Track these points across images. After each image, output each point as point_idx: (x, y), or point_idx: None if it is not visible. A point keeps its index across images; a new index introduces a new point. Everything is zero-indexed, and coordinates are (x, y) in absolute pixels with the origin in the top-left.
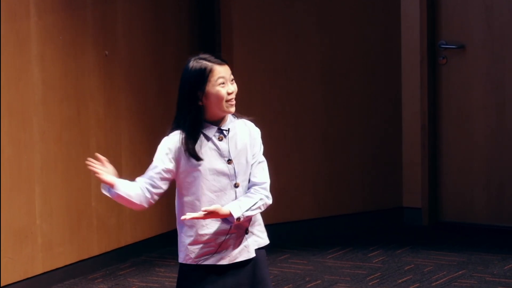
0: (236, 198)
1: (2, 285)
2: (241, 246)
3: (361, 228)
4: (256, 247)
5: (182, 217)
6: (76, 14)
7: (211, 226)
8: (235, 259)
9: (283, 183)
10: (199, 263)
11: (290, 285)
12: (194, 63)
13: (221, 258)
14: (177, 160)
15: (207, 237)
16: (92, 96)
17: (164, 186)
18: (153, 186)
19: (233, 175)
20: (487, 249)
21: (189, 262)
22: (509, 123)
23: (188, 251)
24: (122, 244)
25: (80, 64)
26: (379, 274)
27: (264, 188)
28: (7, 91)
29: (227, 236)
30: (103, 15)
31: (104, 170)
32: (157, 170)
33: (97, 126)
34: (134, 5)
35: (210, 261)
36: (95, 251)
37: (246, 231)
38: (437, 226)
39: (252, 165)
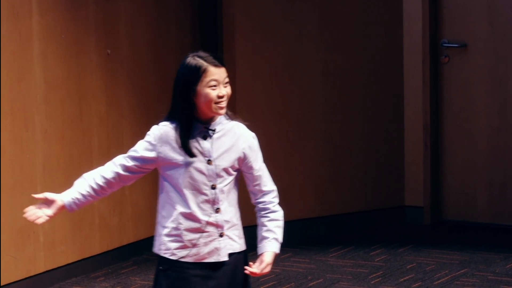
0: (210, 199)
1: (4, 283)
2: (211, 247)
3: (363, 226)
4: (231, 252)
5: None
6: (78, 13)
7: (184, 222)
8: (202, 259)
9: (285, 182)
10: (167, 255)
11: (292, 283)
12: (190, 60)
13: (188, 255)
14: (160, 150)
15: (178, 231)
16: (94, 95)
17: (137, 171)
18: (127, 170)
19: (211, 176)
20: (489, 248)
21: (165, 254)
22: (511, 121)
23: (163, 242)
24: (124, 242)
25: (82, 63)
26: (381, 272)
27: (276, 196)
28: (9, 90)
29: (196, 235)
30: (105, 14)
31: (43, 209)
32: (136, 154)
33: (99, 125)
34: (137, 4)
35: (178, 256)
36: (97, 250)
37: (221, 234)
38: (439, 225)
39: (260, 176)
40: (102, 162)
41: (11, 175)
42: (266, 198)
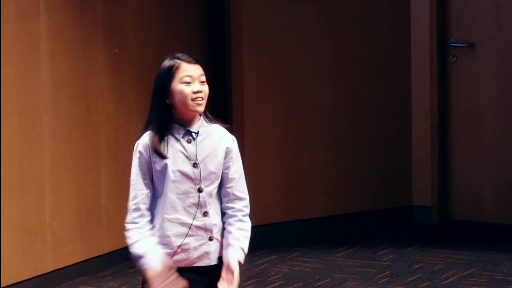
0: (197, 202)
1: (12, 283)
2: (201, 251)
3: (370, 226)
4: (220, 255)
5: None
6: (85, 12)
7: (171, 228)
8: (192, 263)
9: (292, 182)
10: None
11: (300, 283)
12: (165, 62)
13: (178, 261)
14: (150, 161)
15: (167, 238)
16: (101, 94)
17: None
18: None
19: (198, 179)
20: (496, 248)
21: None
22: None
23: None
24: None
25: (89, 62)
26: (388, 272)
27: (247, 206)
28: (17, 89)
29: (185, 239)
30: (112, 13)
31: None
32: (148, 191)
33: (106, 124)
34: (144, 3)
35: (171, 262)
36: (105, 249)
37: (210, 238)
38: (447, 224)
39: (234, 178)
40: (109, 162)
41: (19, 174)
42: (236, 205)
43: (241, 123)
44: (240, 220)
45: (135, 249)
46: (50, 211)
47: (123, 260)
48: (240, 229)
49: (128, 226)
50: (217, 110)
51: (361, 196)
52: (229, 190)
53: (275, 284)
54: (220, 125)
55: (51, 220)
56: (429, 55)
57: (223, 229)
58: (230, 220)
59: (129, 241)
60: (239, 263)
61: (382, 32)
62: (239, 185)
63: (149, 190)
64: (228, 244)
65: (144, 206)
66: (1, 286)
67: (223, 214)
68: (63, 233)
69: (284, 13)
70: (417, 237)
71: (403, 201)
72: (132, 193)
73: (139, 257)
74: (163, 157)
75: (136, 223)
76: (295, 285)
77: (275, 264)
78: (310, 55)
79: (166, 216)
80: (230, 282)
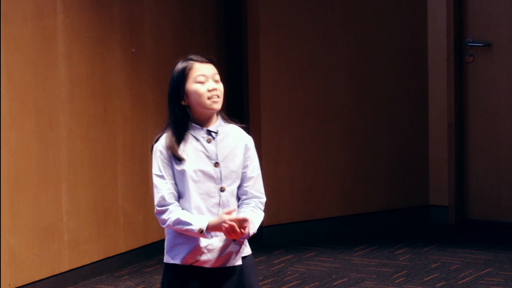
0: (220, 202)
1: (29, 282)
2: (226, 252)
3: (387, 226)
4: (243, 255)
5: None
6: (103, 11)
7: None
8: (217, 264)
9: (310, 181)
10: (184, 264)
11: (317, 282)
12: (178, 65)
13: (203, 262)
14: (170, 159)
15: (192, 239)
16: (118, 94)
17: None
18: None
19: (219, 179)
20: None
21: (176, 262)
22: None
23: (174, 251)
24: (149, 241)
25: (107, 61)
26: (405, 272)
27: (263, 204)
28: (35, 88)
29: (208, 240)
30: (129, 12)
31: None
32: (174, 187)
33: (123, 124)
34: (161, 3)
35: (197, 263)
36: (122, 249)
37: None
38: (464, 224)
39: (252, 177)
40: (126, 161)
41: (36, 173)
42: (253, 200)
43: (257, 123)
44: (254, 207)
45: (181, 219)
46: (67, 210)
47: (140, 259)
48: (253, 211)
49: (162, 218)
50: (234, 110)
51: (378, 195)
52: (247, 189)
53: (292, 284)
54: (236, 125)
55: (68, 219)
56: (446, 54)
57: None
58: (244, 207)
59: (171, 220)
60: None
61: (399, 31)
62: (256, 185)
63: (175, 190)
64: (242, 212)
65: (175, 202)
66: (19, 285)
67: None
68: (80, 232)
69: (301, 12)
70: (434, 236)
71: (420, 200)
72: (156, 196)
73: (188, 223)
74: (179, 159)
75: (171, 211)
76: (312, 285)
77: (292, 263)
78: (327, 54)
79: None
80: (243, 220)
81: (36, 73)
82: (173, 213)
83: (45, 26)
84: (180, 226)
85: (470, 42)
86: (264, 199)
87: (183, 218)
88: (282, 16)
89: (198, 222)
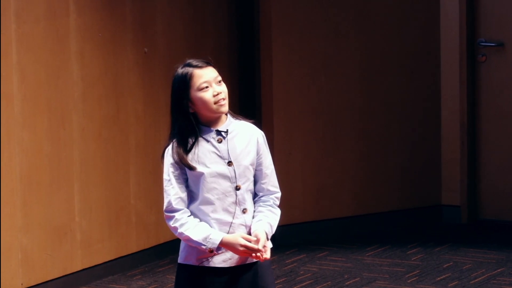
0: (236, 201)
1: (41, 282)
2: None
3: (399, 225)
4: None
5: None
6: (115, 11)
7: (216, 228)
8: (236, 263)
9: (322, 181)
10: (200, 264)
11: (329, 282)
12: (178, 71)
13: (223, 261)
14: (181, 167)
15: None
16: (131, 93)
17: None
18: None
19: (234, 177)
20: None
21: (190, 262)
22: None
23: (190, 251)
24: (161, 241)
25: (119, 61)
26: (417, 271)
27: (279, 198)
28: (47, 88)
29: None
30: (142, 12)
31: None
32: (178, 197)
33: (136, 124)
34: (173, 2)
35: (211, 263)
36: (134, 248)
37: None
38: (476, 224)
39: (268, 174)
40: (139, 161)
41: (48, 173)
42: (269, 197)
43: (270, 123)
44: (272, 206)
45: (194, 235)
46: (80, 210)
47: (152, 259)
48: (270, 211)
49: (171, 226)
50: (246, 110)
51: (390, 195)
52: (263, 186)
53: (304, 283)
54: (246, 121)
55: (80, 219)
56: (459, 54)
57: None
58: (262, 203)
59: (181, 235)
60: (266, 234)
61: (412, 31)
62: (272, 180)
63: (184, 194)
64: (258, 220)
65: (184, 207)
66: (31, 284)
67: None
68: (92, 232)
69: (313, 12)
70: (446, 236)
71: (432, 200)
72: (164, 201)
73: (203, 239)
74: (190, 168)
75: (178, 220)
76: (324, 284)
77: (304, 263)
78: (339, 54)
79: (210, 218)
80: (261, 246)
81: (48, 73)
82: (180, 222)
83: (58, 26)
84: (191, 243)
85: (482, 42)
86: (279, 194)
87: (194, 238)
88: (295, 16)
89: (208, 242)
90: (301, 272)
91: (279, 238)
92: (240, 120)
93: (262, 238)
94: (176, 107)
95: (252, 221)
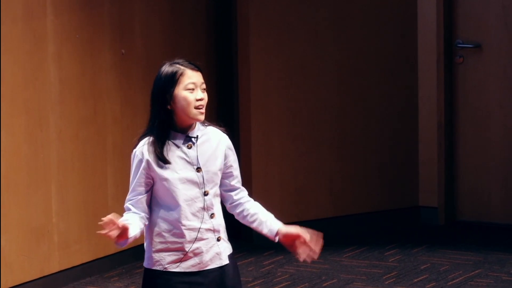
0: (205, 206)
1: (18, 283)
2: (212, 253)
3: (377, 227)
4: (228, 254)
5: None
6: (93, 12)
7: (180, 233)
8: (205, 266)
9: (299, 182)
10: (168, 269)
11: (306, 283)
12: (166, 67)
13: (191, 265)
14: (150, 168)
15: (178, 245)
16: (108, 95)
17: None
18: (146, 212)
19: (202, 183)
20: (503, 248)
21: (156, 267)
22: None
23: (156, 257)
24: (139, 242)
25: (96, 62)
26: (395, 273)
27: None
28: (24, 89)
29: (196, 244)
30: (120, 13)
31: (115, 229)
32: (141, 197)
33: (113, 125)
34: (151, 4)
35: (179, 268)
36: (112, 250)
37: (218, 238)
38: (454, 225)
39: (238, 175)
40: (116, 162)
41: (26, 174)
42: (243, 194)
43: (248, 124)
44: (253, 202)
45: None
46: (57, 211)
47: (130, 261)
48: (261, 208)
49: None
50: (224, 111)
51: (368, 196)
52: (234, 184)
53: (282, 285)
54: (215, 127)
55: (57, 220)
56: (436, 55)
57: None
58: (247, 205)
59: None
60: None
61: (389, 32)
62: (239, 178)
63: (144, 196)
64: (267, 219)
65: (134, 209)
66: (8, 286)
67: (234, 206)
68: (69, 234)
69: (291, 14)
70: (423, 237)
71: (410, 201)
72: (128, 196)
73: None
74: (166, 162)
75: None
76: (302, 286)
77: (282, 264)
78: (317, 55)
79: (177, 223)
80: (314, 242)
81: (25, 74)
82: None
83: (35, 27)
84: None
85: (460, 43)
86: (245, 190)
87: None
88: (272, 18)
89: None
90: (279, 274)
91: (257, 240)
92: (207, 126)
93: (300, 230)
94: (158, 101)
95: (254, 222)
